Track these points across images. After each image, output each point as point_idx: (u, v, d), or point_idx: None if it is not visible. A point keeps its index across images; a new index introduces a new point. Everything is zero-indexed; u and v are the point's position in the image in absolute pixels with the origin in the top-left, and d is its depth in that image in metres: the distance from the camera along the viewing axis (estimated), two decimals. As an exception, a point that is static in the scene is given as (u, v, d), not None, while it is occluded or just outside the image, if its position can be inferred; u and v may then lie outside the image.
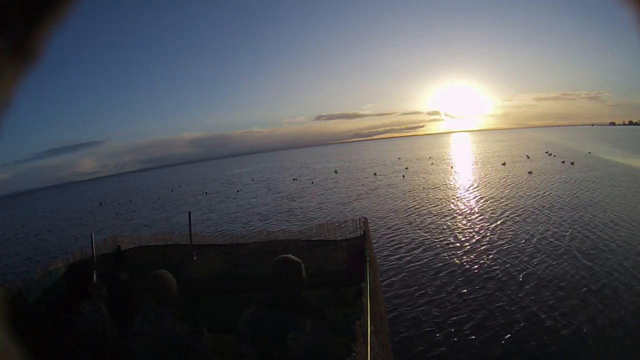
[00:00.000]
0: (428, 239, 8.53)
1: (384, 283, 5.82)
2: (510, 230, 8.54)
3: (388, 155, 48.61)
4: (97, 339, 1.99)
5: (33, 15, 0.18)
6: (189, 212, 2.74)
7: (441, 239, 8.45)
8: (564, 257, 6.56)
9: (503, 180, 16.82)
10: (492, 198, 12.72)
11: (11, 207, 53.21)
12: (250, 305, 1.80)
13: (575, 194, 12.07)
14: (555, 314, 4.68)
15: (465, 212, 11.06)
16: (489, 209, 11.01)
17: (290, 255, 1.83)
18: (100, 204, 29.43)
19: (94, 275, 2.17)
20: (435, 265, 6.76)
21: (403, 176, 21.78)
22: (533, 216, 9.64)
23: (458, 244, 7.93)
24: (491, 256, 6.97)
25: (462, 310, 5.04)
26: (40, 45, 0.19)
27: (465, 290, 5.62)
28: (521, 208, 10.70)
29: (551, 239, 7.61)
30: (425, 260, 7.10)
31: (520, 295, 5.29)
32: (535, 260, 6.54)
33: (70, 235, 16.23)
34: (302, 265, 1.78)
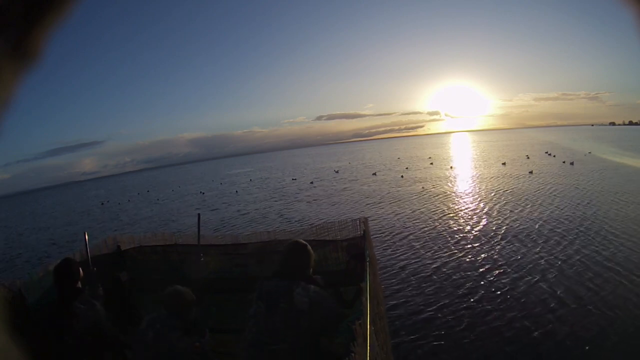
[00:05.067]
0: (428, 238, 8.53)
1: (384, 283, 5.82)
2: (512, 230, 8.53)
3: (388, 155, 48.61)
4: (96, 337, 1.98)
5: (33, 15, 0.18)
6: (199, 215, 2.75)
7: (441, 238, 8.44)
8: (567, 257, 6.55)
9: (504, 180, 16.82)
10: (492, 197, 12.71)
11: (13, 207, 53.20)
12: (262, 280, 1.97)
13: (576, 193, 12.06)
14: (559, 314, 4.68)
15: (465, 211, 11.06)
16: (489, 209, 11.01)
17: (300, 240, 2.09)
18: (102, 204, 29.46)
19: (80, 270, 2.10)
20: (436, 265, 6.75)
21: (402, 176, 21.78)
22: (535, 215, 9.63)
23: (458, 244, 7.92)
24: (492, 255, 6.97)
25: (462, 309, 5.04)
26: (40, 45, 0.19)
27: (465, 290, 5.62)
28: (523, 207, 10.70)
29: (553, 238, 7.60)
30: (426, 260, 7.09)
31: (522, 294, 5.28)
32: (538, 259, 6.53)
33: (72, 235, 16.23)
34: (309, 247, 2.01)
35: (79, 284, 2.07)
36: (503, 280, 5.83)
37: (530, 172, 18.11)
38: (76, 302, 1.99)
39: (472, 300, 5.30)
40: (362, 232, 2.89)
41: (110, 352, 2.11)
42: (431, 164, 29.39)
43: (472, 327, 4.58)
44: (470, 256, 7.09)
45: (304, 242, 2.04)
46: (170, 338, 1.82)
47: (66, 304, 1.96)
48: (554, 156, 25.32)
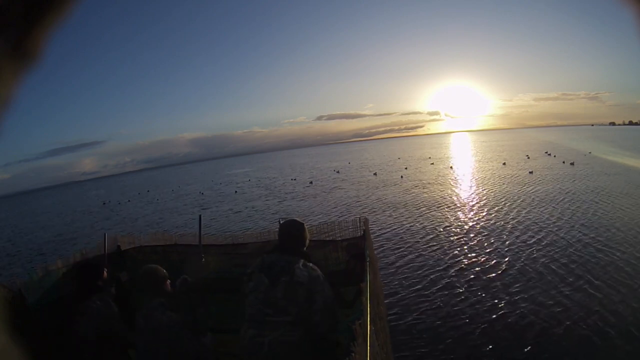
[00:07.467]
0: (428, 238, 8.52)
1: (384, 283, 5.82)
2: (513, 230, 8.52)
3: (388, 155, 48.61)
4: (103, 336, 2.00)
5: (33, 15, 0.18)
6: (200, 216, 2.75)
7: (442, 238, 8.44)
8: (569, 258, 6.55)
9: (504, 180, 16.81)
10: (493, 197, 12.70)
11: (13, 206, 53.19)
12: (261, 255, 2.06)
13: (576, 192, 12.06)
14: (560, 314, 4.67)
15: (465, 211, 11.05)
16: (490, 209, 10.99)
17: (297, 218, 2.19)
18: (104, 204, 29.47)
19: (105, 271, 2.22)
20: (436, 265, 6.75)
21: (401, 176, 21.78)
22: (536, 215, 9.62)
23: (459, 244, 7.92)
24: (493, 255, 6.96)
25: (463, 310, 5.03)
26: (40, 45, 0.19)
27: (466, 290, 5.62)
28: (524, 207, 10.69)
29: (555, 238, 7.60)
30: (426, 260, 7.09)
31: (523, 295, 5.28)
32: (539, 260, 6.53)
33: (72, 235, 16.24)
34: (305, 226, 2.13)
35: (100, 283, 2.17)
36: (506, 280, 5.82)
37: (531, 172, 18.10)
38: (94, 297, 2.05)
39: (474, 299, 5.30)
40: (362, 232, 2.90)
41: (115, 352, 2.12)
42: (432, 164, 29.38)
43: (474, 326, 4.58)
44: (471, 255, 7.09)
45: (301, 220, 2.14)
46: (156, 316, 1.86)
47: (80, 300, 2.01)
48: (554, 156, 25.30)
